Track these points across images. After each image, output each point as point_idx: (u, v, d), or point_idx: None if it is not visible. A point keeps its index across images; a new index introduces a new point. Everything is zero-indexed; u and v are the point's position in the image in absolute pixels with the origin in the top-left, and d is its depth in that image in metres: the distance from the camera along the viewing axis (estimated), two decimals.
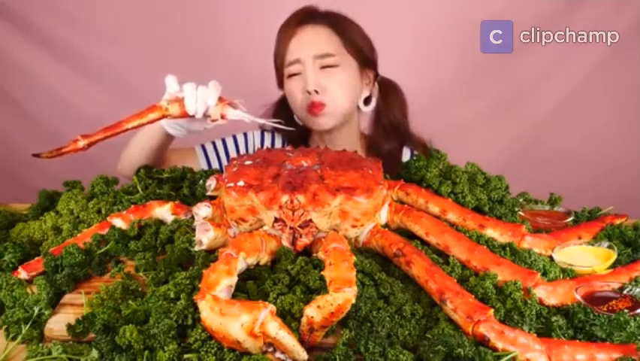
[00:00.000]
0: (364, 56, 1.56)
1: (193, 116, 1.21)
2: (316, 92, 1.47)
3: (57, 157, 1.16)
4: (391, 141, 1.61)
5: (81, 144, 1.16)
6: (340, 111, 1.52)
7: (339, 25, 1.54)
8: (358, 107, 1.60)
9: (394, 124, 1.61)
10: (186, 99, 1.19)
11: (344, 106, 1.52)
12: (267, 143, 1.69)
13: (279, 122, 1.25)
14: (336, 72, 1.50)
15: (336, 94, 1.49)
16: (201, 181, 1.29)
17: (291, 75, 1.53)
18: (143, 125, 1.20)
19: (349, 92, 1.52)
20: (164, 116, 1.21)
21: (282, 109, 1.64)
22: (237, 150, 1.66)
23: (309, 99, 1.49)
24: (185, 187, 1.30)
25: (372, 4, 2.28)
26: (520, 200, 1.24)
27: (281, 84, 1.60)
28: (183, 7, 2.50)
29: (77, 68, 2.54)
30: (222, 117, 1.21)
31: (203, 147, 1.64)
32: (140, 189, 1.29)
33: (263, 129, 1.70)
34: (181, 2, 2.50)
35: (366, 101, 1.60)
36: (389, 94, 1.62)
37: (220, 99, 1.20)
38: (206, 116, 1.22)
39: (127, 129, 1.18)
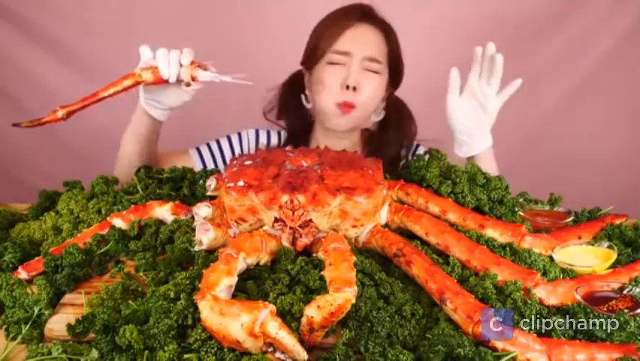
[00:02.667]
0: (396, 71, 1.58)
1: (167, 82, 1.23)
2: (354, 88, 1.48)
3: (37, 127, 1.20)
4: (393, 148, 1.63)
5: (60, 113, 1.20)
6: (363, 115, 1.54)
7: (390, 35, 1.55)
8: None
9: (398, 137, 1.63)
10: (159, 62, 1.22)
11: (368, 111, 1.54)
12: (262, 142, 1.69)
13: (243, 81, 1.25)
14: (375, 78, 1.51)
15: (368, 97, 1.50)
16: (201, 181, 1.29)
17: (332, 62, 1.51)
18: (118, 92, 1.22)
19: (376, 100, 1.54)
20: (137, 83, 1.23)
21: (291, 91, 1.65)
22: (232, 151, 1.66)
23: (344, 95, 1.48)
24: (185, 187, 1.30)
25: (374, 5, 2.28)
26: (520, 200, 1.24)
27: (307, 63, 1.58)
28: (186, 6, 2.49)
29: (78, 68, 2.54)
30: (193, 79, 1.23)
31: (198, 149, 1.64)
32: (140, 189, 1.29)
33: (257, 128, 1.71)
34: (183, 2, 2.50)
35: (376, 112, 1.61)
36: (397, 113, 1.63)
37: (191, 62, 1.23)
38: (179, 81, 1.23)
39: (104, 97, 1.21)
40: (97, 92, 1.20)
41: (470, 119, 1.32)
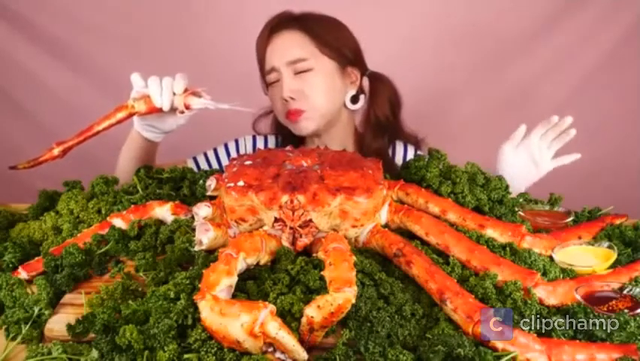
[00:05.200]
0: (343, 55, 1.54)
1: (161, 110, 1.22)
2: (292, 98, 1.48)
3: (35, 167, 1.20)
4: (379, 138, 1.60)
5: (56, 151, 1.20)
6: (321, 114, 1.51)
7: (313, 27, 1.51)
8: (346, 107, 1.59)
9: (382, 120, 1.59)
10: (151, 92, 1.21)
11: (324, 108, 1.51)
12: (260, 147, 1.69)
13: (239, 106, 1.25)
14: (311, 76, 1.48)
15: (314, 97, 1.48)
16: (201, 181, 1.29)
17: (270, 83, 1.53)
18: (112, 125, 1.22)
19: (329, 93, 1.51)
20: (131, 115, 1.23)
21: None
22: (229, 159, 1.65)
23: (287, 106, 1.49)
24: (185, 187, 1.30)
25: (373, 4, 2.28)
26: (520, 200, 1.24)
27: (266, 90, 1.61)
28: (184, 7, 2.50)
29: (77, 68, 2.54)
30: (187, 107, 1.22)
31: (195, 159, 1.64)
32: (140, 189, 1.29)
33: (255, 134, 1.70)
34: (182, 3, 2.50)
35: (356, 99, 1.59)
36: (376, 88, 1.60)
37: (184, 90, 1.22)
38: (173, 109, 1.23)
39: (98, 131, 1.21)
40: (92, 127, 1.21)
41: (521, 169, 1.36)
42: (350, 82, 1.58)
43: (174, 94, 1.22)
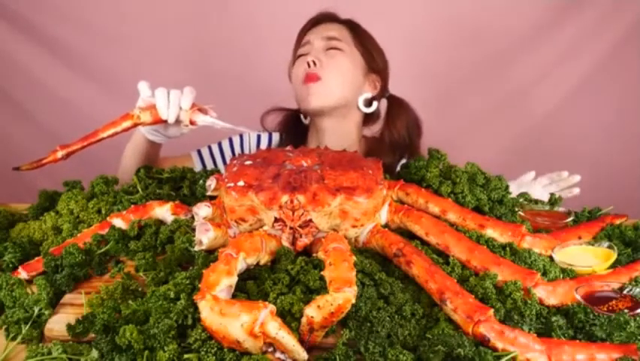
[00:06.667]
0: (373, 58, 1.60)
1: (166, 122, 1.23)
2: (314, 63, 1.52)
3: (37, 168, 1.20)
4: (390, 155, 1.61)
5: (60, 154, 1.20)
6: (333, 93, 1.53)
7: (353, 26, 1.61)
8: (358, 108, 1.60)
9: (397, 140, 1.62)
10: (158, 105, 1.21)
11: (337, 87, 1.54)
12: (264, 144, 1.70)
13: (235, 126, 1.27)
14: (339, 55, 1.54)
15: (333, 73, 1.53)
16: (201, 181, 1.29)
17: (299, 55, 1.58)
18: (117, 133, 1.22)
19: (347, 78, 1.55)
20: (137, 125, 1.23)
21: (292, 116, 1.69)
22: (233, 153, 1.67)
23: (306, 71, 1.53)
24: (185, 187, 1.30)
25: (372, 5, 2.28)
26: (520, 200, 1.24)
27: (291, 71, 1.64)
28: (184, 7, 2.50)
29: (77, 68, 2.54)
30: (192, 123, 1.23)
31: (199, 152, 1.65)
32: (140, 189, 1.29)
33: (259, 132, 1.71)
34: (182, 2, 2.50)
35: (369, 104, 1.61)
36: (395, 112, 1.63)
37: (192, 105, 1.22)
38: (178, 121, 1.23)
39: (102, 138, 1.21)
40: (96, 132, 1.21)
41: None
42: (369, 86, 1.62)
43: (181, 108, 1.22)
